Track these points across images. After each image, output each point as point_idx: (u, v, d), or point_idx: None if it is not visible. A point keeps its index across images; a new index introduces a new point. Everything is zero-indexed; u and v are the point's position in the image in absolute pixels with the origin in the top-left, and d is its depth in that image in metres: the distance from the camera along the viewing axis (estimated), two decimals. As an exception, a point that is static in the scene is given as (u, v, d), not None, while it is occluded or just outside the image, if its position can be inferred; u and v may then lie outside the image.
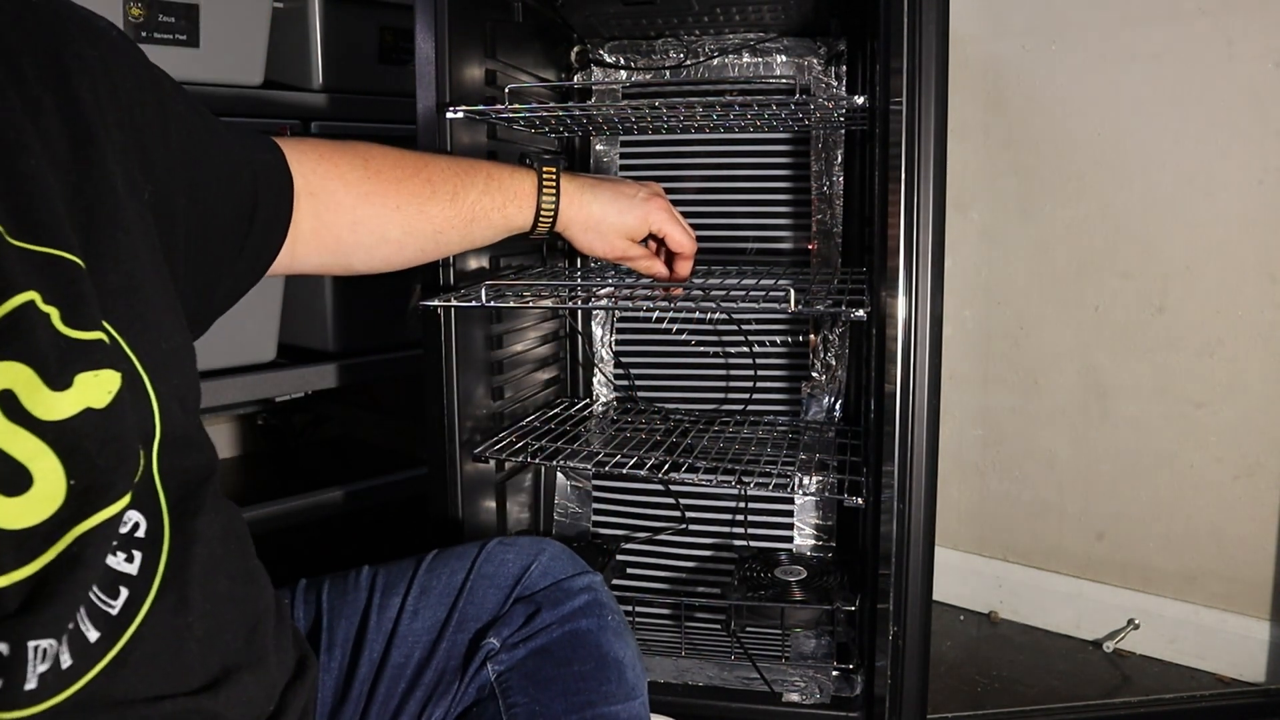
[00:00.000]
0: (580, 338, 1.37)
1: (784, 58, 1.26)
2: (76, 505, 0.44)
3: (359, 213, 0.79)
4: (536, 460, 1.11)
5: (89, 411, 0.45)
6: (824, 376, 1.28)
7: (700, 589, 1.28)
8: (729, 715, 1.05)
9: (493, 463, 1.13)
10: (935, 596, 1.02)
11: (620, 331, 1.36)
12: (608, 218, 0.92)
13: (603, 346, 1.37)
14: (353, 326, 1.53)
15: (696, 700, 1.06)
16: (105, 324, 0.48)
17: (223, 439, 2.03)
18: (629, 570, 1.30)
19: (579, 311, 1.37)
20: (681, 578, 1.31)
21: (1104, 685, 1.32)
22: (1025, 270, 1.44)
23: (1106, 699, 1.28)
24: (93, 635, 0.45)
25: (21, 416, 0.43)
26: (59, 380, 0.45)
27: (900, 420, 0.91)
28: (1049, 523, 1.47)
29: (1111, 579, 1.42)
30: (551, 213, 0.89)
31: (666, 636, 1.21)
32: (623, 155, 1.35)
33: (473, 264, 1.09)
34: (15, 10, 0.50)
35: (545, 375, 1.34)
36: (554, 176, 0.89)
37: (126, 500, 0.47)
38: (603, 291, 0.94)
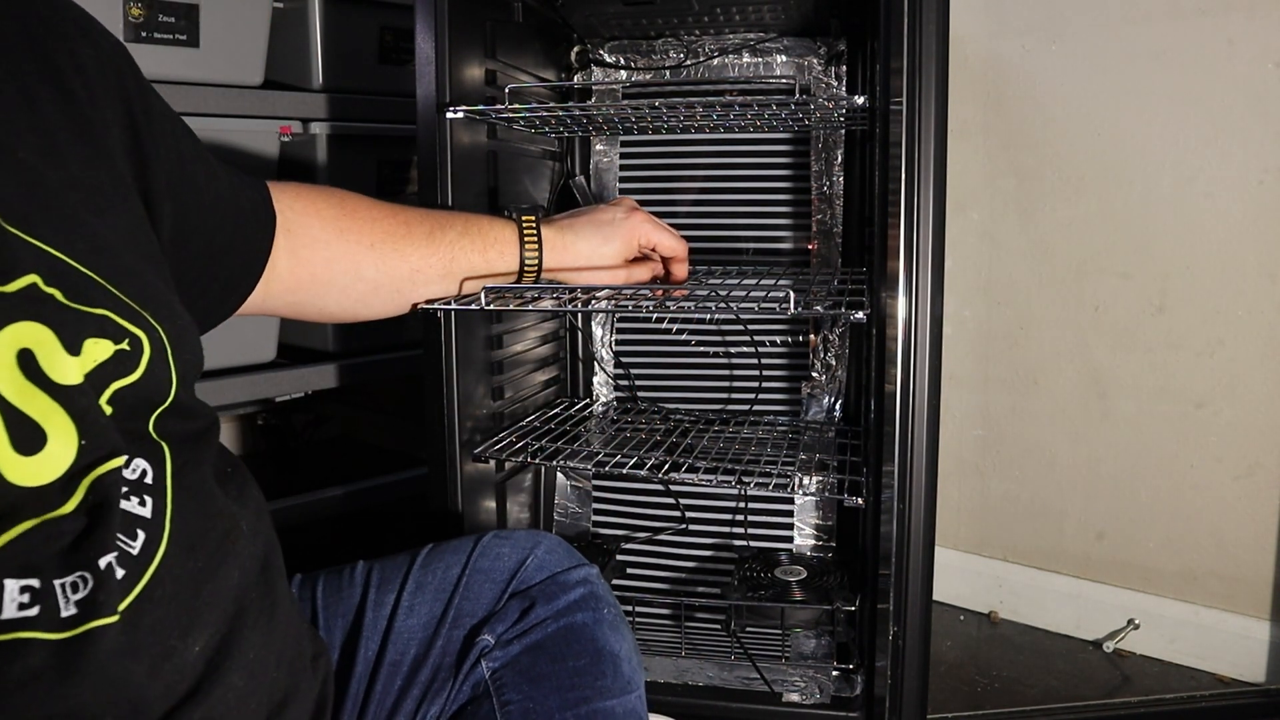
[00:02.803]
0: (581, 335, 1.37)
1: (784, 58, 1.26)
2: (86, 461, 0.46)
3: (334, 249, 0.79)
4: (536, 460, 1.11)
5: (99, 372, 0.48)
6: (824, 376, 1.28)
7: (700, 589, 1.28)
8: (729, 715, 1.05)
9: (493, 463, 1.13)
10: (935, 596, 1.02)
11: (620, 331, 1.36)
12: (596, 251, 0.93)
13: (603, 346, 1.37)
14: (353, 326, 1.53)
15: (696, 700, 1.06)
16: (121, 294, 0.50)
17: (223, 439, 2.03)
18: (629, 570, 1.30)
19: (579, 312, 1.37)
20: (681, 578, 1.31)
21: (1104, 685, 1.32)
22: (1025, 270, 1.44)
23: (1106, 699, 1.28)
24: (119, 573, 0.47)
25: (38, 377, 0.45)
26: (73, 344, 0.46)
27: (900, 420, 0.91)
28: (1049, 523, 1.47)
29: (1111, 579, 1.42)
30: (536, 263, 0.90)
31: (666, 636, 1.21)
32: (623, 155, 1.35)
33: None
34: (15, 5, 0.50)
35: (545, 375, 1.34)
36: (534, 226, 0.90)
37: (129, 455, 0.49)
38: (602, 294, 0.94)
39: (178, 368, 0.53)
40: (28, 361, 0.45)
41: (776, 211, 1.29)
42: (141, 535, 0.49)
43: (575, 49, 1.32)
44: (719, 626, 1.21)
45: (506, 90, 1.12)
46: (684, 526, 1.31)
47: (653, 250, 0.98)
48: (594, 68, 1.33)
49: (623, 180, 1.34)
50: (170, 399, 0.52)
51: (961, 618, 1.52)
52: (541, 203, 1.32)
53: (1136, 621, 1.38)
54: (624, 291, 0.94)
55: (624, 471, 1.06)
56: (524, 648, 0.70)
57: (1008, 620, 1.51)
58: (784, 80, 1.26)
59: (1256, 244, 1.26)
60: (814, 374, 1.28)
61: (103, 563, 0.46)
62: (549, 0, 1.16)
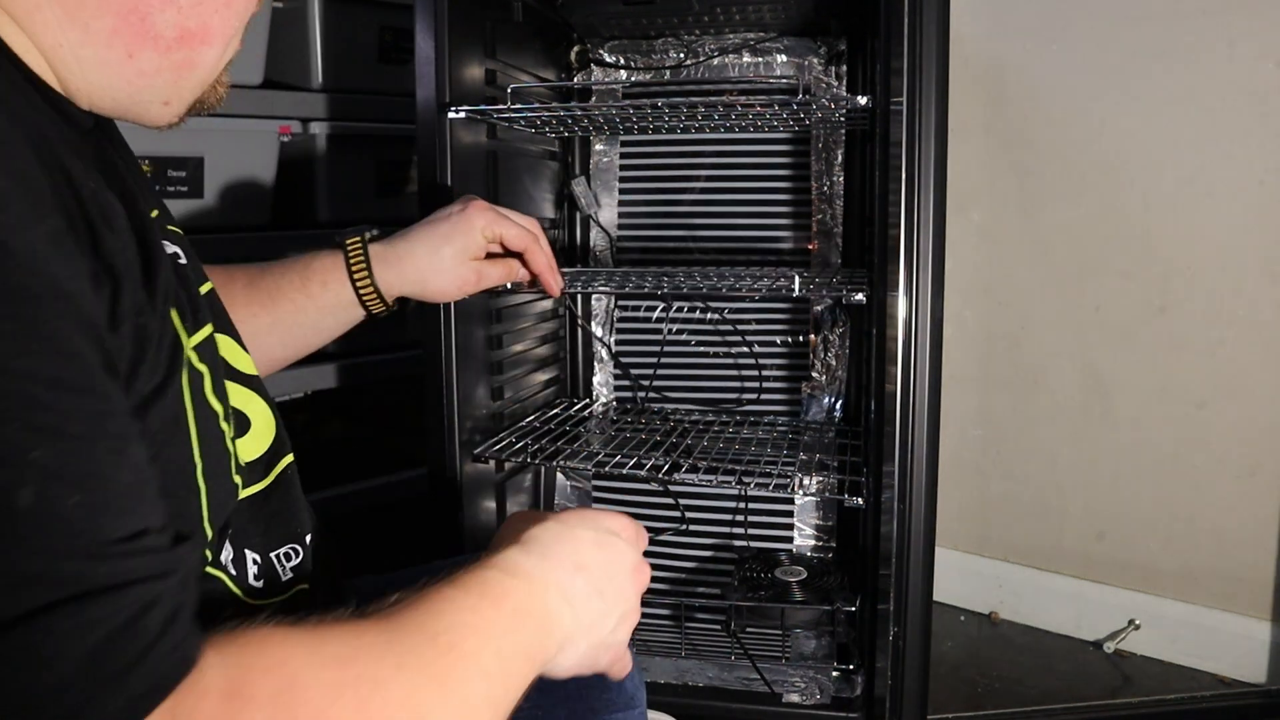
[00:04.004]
0: (580, 333, 1.37)
1: (784, 57, 1.26)
2: (280, 440, 0.60)
3: None
4: (536, 460, 1.11)
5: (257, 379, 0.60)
6: (824, 377, 1.28)
7: (700, 589, 1.28)
8: (729, 716, 1.05)
9: (493, 463, 1.13)
10: (935, 596, 1.02)
11: (620, 331, 1.36)
12: (435, 255, 0.83)
13: (603, 347, 1.37)
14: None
15: (696, 700, 1.06)
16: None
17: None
18: (629, 570, 1.30)
19: (579, 311, 1.37)
20: (681, 578, 1.31)
21: (1104, 685, 1.32)
22: (1025, 270, 1.44)
23: (1107, 699, 1.28)
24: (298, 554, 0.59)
25: (234, 373, 0.56)
26: (245, 347, 0.59)
27: (900, 420, 0.91)
28: (1049, 523, 1.47)
29: (1112, 579, 1.42)
30: (369, 285, 0.80)
31: (666, 637, 1.21)
32: (623, 155, 1.34)
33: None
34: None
35: (545, 375, 1.34)
36: (359, 244, 0.80)
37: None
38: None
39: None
40: (225, 365, 0.55)
41: (776, 211, 1.29)
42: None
43: (575, 49, 1.32)
44: (719, 627, 1.21)
45: (507, 90, 1.12)
46: (684, 527, 1.31)
47: (502, 245, 0.88)
48: (594, 68, 1.33)
49: (623, 180, 1.34)
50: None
51: (961, 618, 1.52)
52: (546, 206, 1.32)
53: (1137, 622, 1.38)
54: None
55: (624, 472, 1.06)
56: None
57: (1008, 620, 1.51)
58: (784, 80, 1.25)
59: (1257, 244, 1.26)
60: (814, 374, 1.28)
61: (308, 539, 0.59)
62: (549, 0, 1.16)
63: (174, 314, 0.47)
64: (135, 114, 0.50)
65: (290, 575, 0.58)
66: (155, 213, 0.53)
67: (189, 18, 0.46)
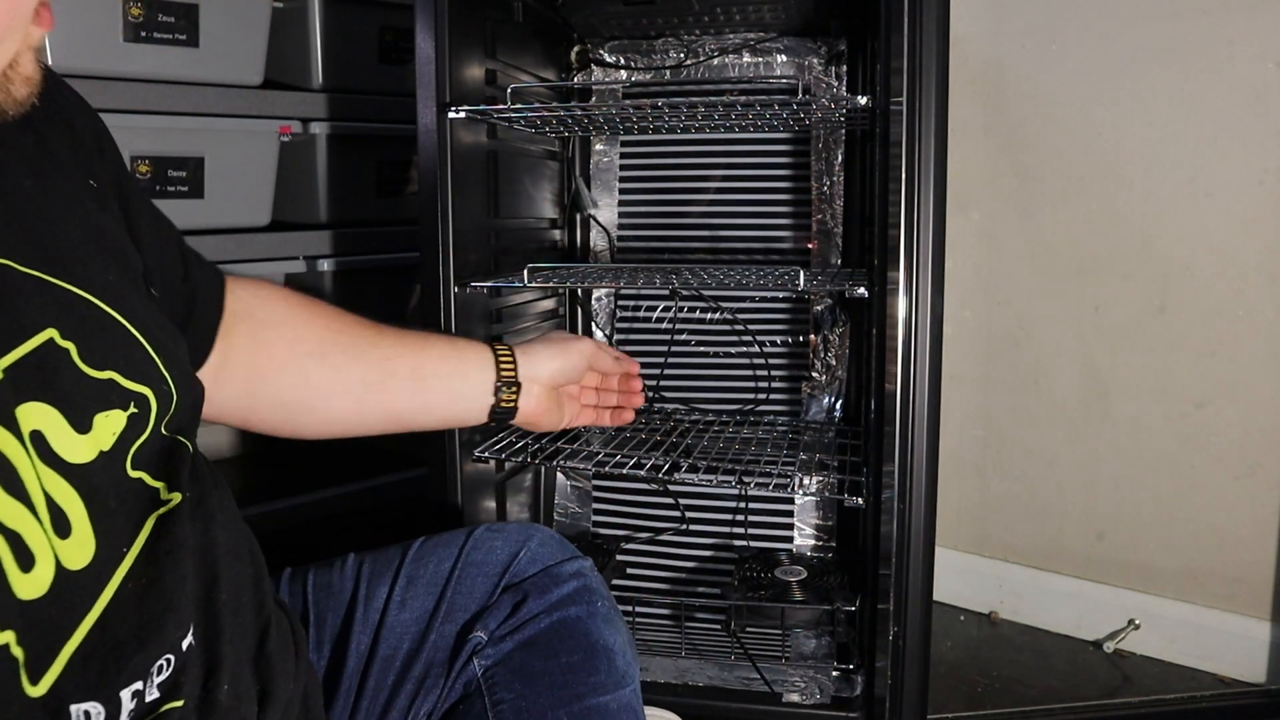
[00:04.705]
0: (581, 333, 1.37)
1: (784, 58, 1.26)
2: (109, 547, 0.46)
3: (299, 331, 0.75)
4: (536, 460, 1.11)
5: (102, 456, 0.46)
6: (824, 376, 1.28)
7: (700, 589, 1.28)
8: (729, 715, 1.05)
9: (493, 462, 1.13)
10: (935, 596, 1.02)
11: (620, 331, 1.36)
12: (554, 360, 0.88)
13: (603, 346, 1.37)
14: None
15: (696, 700, 1.06)
16: (138, 335, 0.50)
17: (223, 439, 2.03)
18: (629, 571, 1.30)
19: (578, 310, 1.37)
20: (682, 578, 1.31)
21: (1104, 685, 1.32)
22: (1025, 270, 1.44)
23: (1107, 699, 1.28)
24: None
25: (52, 459, 0.44)
26: (81, 423, 0.45)
27: (900, 420, 0.91)
28: (1049, 523, 1.47)
29: (1112, 579, 1.42)
30: (512, 373, 0.84)
31: (666, 637, 1.21)
32: (623, 155, 1.34)
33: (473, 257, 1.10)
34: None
35: (545, 375, 1.34)
36: (508, 350, 0.85)
37: (145, 536, 0.49)
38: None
39: (183, 412, 0.53)
40: (40, 442, 0.44)
41: (776, 211, 1.29)
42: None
43: (575, 49, 1.32)
44: (719, 626, 1.21)
45: (507, 90, 1.12)
46: (684, 527, 1.31)
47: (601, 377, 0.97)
48: (594, 68, 1.33)
49: (623, 180, 1.34)
50: (188, 442, 0.53)
51: (961, 618, 1.52)
52: (546, 206, 1.32)
53: (1137, 621, 1.38)
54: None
55: (624, 472, 1.06)
56: (516, 644, 0.69)
57: (1008, 620, 1.51)
58: (784, 80, 1.26)
59: (1257, 244, 1.26)
60: (814, 374, 1.28)
61: (184, 644, 0.48)
62: (549, 0, 1.16)
63: None
64: None
65: (156, 694, 0.47)
66: None
67: None
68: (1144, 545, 1.39)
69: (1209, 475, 1.33)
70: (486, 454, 1.10)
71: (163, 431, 0.51)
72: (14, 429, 0.42)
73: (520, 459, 1.11)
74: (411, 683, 0.70)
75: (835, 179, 1.26)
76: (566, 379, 0.90)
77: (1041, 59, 1.39)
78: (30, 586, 0.41)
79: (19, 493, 0.42)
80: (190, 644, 0.49)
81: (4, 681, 0.39)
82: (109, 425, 0.47)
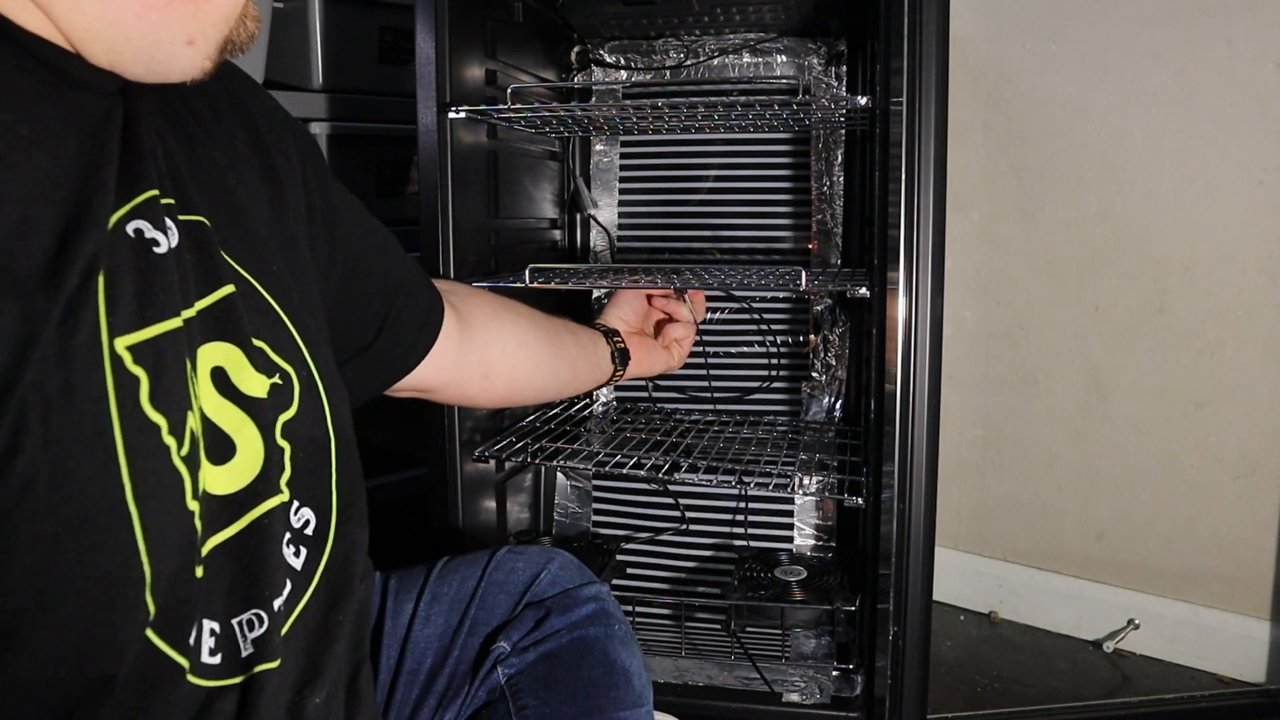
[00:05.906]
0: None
1: (784, 58, 1.26)
2: (265, 480, 0.49)
3: (503, 320, 0.88)
4: (537, 460, 1.11)
5: (275, 396, 0.51)
6: (824, 376, 1.28)
7: (700, 589, 1.28)
8: (729, 715, 1.05)
9: (493, 463, 1.13)
10: (935, 596, 1.02)
11: (620, 331, 1.36)
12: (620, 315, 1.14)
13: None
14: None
15: (696, 700, 1.06)
16: (291, 326, 0.54)
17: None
18: (629, 570, 1.30)
19: (578, 309, 1.37)
20: (681, 578, 1.31)
21: (1104, 685, 1.32)
22: (1025, 270, 1.44)
23: (1106, 699, 1.28)
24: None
25: (230, 392, 0.48)
26: (259, 365, 0.50)
27: (900, 420, 0.91)
28: (1049, 523, 1.47)
29: (1111, 579, 1.42)
30: (619, 339, 1.08)
31: (666, 636, 1.21)
32: (623, 155, 1.35)
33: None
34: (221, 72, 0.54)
35: (545, 375, 1.34)
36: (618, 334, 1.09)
37: (291, 494, 0.52)
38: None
39: (331, 405, 0.55)
40: (221, 378, 0.48)
41: (776, 211, 1.29)
42: (288, 587, 0.51)
43: (575, 49, 1.32)
44: (719, 626, 1.21)
45: (507, 90, 1.12)
46: (684, 527, 1.31)
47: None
48: (594, 68, 1.33)
49: (623, 180, 1.34)
50: (334, 440, 0.55)
51: (961, 618, 1.52)
52: (546, 206, 1.32)
53: (1136, 621, 1.38)
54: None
55: (624, 472, 1.06)
56: (539, 655, 0.71)
57: (1008, 620, 1.51)
58: (784, 80, 1.26)
59: (1256, 244, 1.26)
60: (814, 374, 1.28)
61: (276, 604, 0.50)
62: (549, 0, 1.16)
63: (102, 305, 0.40)
64: (159, 62, 0.44)
65: (250, 650, 0.48)
66: (170, 200, 0.48)
67: None
68: (1144, 545, 1.39)
69: (1209, 475, 1.33)
70: (486, 454, 1.10)
71: (308, 418, 0.54)
72: (195, 363, 0.47)
73: (520, 459, 1.11)
74: (435, 694, 0.72)
75: (835, 179, 1.26)
76: (636, 317, 1.13)
77: (1041, 59, 1.39)
78: (217, 481, 0.47)
79: (234, 395, 0.48)
80: (280, 607, 0.51)
81: (188, 536, 0.43)
82: (263, 384, 0.51)
